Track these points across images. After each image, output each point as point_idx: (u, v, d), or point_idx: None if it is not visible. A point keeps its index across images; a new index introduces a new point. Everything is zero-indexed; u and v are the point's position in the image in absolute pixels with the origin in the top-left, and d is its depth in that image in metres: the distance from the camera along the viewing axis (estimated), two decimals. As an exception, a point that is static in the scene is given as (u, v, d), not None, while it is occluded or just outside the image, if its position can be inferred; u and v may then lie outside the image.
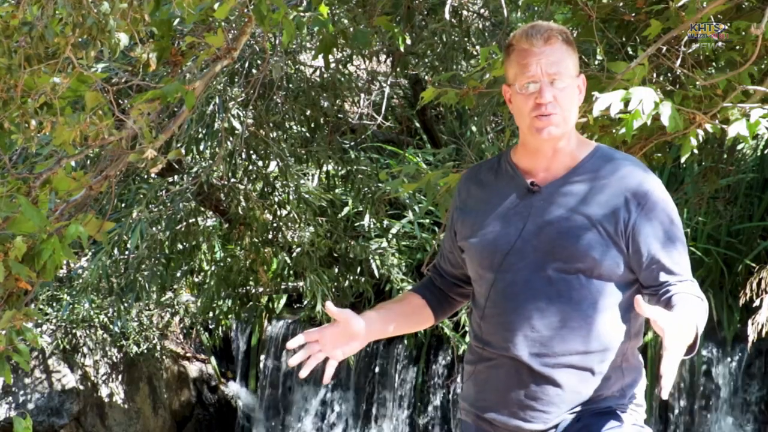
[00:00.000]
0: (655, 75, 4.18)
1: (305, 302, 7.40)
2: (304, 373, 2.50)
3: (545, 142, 2.52)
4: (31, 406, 7.59)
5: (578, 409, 2.47)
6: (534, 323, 2.45)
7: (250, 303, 7.72)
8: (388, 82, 7.45)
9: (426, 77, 7.25)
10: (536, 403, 2.47)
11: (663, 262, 2.45)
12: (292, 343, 2.48)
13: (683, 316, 2.28)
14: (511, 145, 2.69)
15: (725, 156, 6.31)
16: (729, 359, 6.60)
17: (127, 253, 7.03)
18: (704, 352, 6.68)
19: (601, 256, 2.44)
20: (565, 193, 2.50)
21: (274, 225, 6.94)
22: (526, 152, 2.57)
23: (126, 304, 7.39)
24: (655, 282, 2.46)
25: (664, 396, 2.23)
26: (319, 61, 6.65)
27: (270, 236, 6.99)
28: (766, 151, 7.24)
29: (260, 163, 6.83)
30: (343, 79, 6.71)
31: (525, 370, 2.47)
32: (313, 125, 6.96)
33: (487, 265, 2.54)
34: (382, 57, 7.26)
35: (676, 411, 6.76)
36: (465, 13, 6.82)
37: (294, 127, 6.96)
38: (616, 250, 2.45)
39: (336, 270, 7.24)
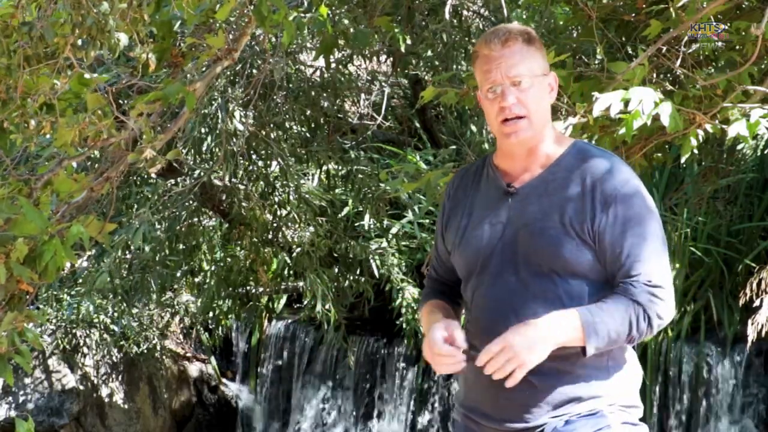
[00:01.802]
0: (655, 75, 4.18)
1: (305, 302, 7.40)
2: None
3: (516, 146, 2.52)
4: (31, 406, 7.59)
5: (562, 410, 2.47)
6: (511, 325, 2.44)
7: (250, 303, 7.71)
8: (388, 82, 7.45)
9: (426, 77, 7.25)
10: (517, 405, 2.48)
11: (623, 265, 2.43)
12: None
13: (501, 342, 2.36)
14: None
15: (725, 156, 6.32)
16: (729, 359, 6.60)
17: (129, 254, 7.03)
18: (704, 352, 6.68)
19: (571, 255, 2.44)
20: (539, 194, 2.51)
21: (275, 225, 6.93)
22: (504, 155, 2.59)
23: (127, 305, 7.39)
24: (616, 283, 2.45)
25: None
26: (320, 62, 6.64)
27: (270, 236, 6.99)
28: (766, 151, 7.24)
29: (261, 164, 6.83)
30: (343, 79, 6.71)
31: None
32: (313, 125, 6.95)
33: (471, 268, 2.56)
34: (382, 57, 7.25)
35: (676, 411, 6.76)
36: (465, 13, 6.81)
37: (294, 127, 6.96)
38: (586, 248, 2.45)
39: (336, 270, 7.23)
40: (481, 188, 2.60)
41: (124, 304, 7.41)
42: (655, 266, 2.44)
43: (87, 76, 2.83)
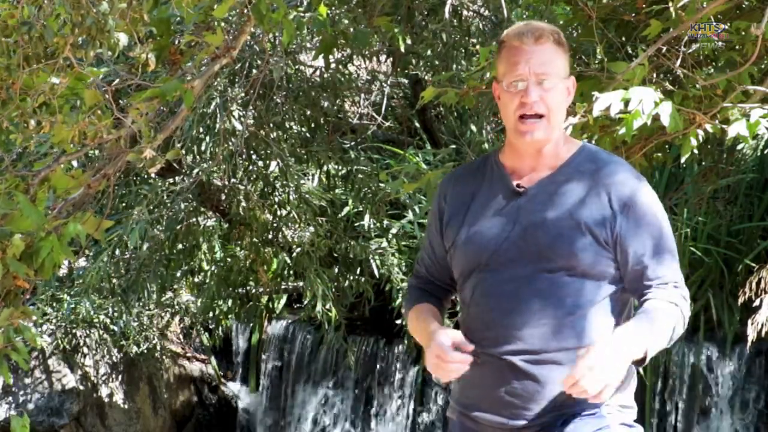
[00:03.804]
0: (655, 75, 4.18)
1: (305, 302, 7.39)
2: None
3: (529, 145, 2.53)
4: (31, 406, 7.59)
5: (562, 408, 2.47)
6: (516, 321, 2.45)
7: (250, 303, 7.71)
8: (388, 82, 7.44)
9: (426, 77, 7.24)
10: (518, 400, 2.47)
11: (648, 268, 2.46)
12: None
13: (601, 355, 2.32)
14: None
15: (725, 156, 6.31)
16: (729, 359, 6.60)
17: (127, 253, 7.03)
18: (704, 352, 6.68)
19: (583, 254, 2.45)
20: (550, 193, 2.51)
21: (274, 225, 6.93)
22: (512, 152, 2.58)
23: (126, 305, 7.39)
24: (638, 287, 2.48)
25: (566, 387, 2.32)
26: (319, 61, 6.64)
27: (270, 236, 6.99)
28: (766, 151, 7.24)
29: (260, 164, 6.83)
30: (343, 79, 6.71)
31: (507, 367, 2.48)
32: (313, 125, 6.95)
33: (473, 265, 2.55)
34: (382, 57, 7.25)
35: (676, 410, 6.76)
36: (465, 12, 6.81)
37: (294, 127, 6.95)
38: (599, 247, 2.46)
39: (336, 270, 7.23)
40: (485, 186, 2.59)
41: (123, 304, 7.41)
42: (676, 268, 2.49)
43: (83, 71, 2.83)
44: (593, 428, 2.46)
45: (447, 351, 2.45)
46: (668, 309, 2.41)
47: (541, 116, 2.49)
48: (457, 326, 2.63)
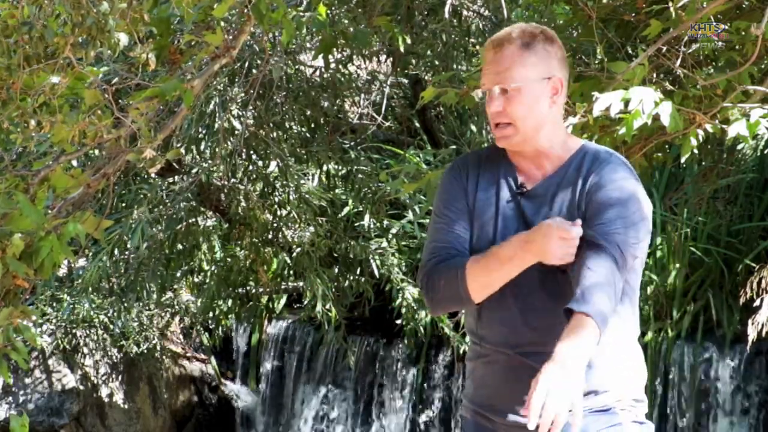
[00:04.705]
0: (655, 75, 4.18)
1: (305, 302, 7.39)
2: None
3: (510, 150, 2.55)
4: (31, 406, 7.59)
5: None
6: (527, 318, 2.46)
7: (250, 303, 7.71)
8: (388, 82, 7.44)
9: (426, 77, 7.25)
10: None
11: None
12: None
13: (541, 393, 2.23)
14: None
15: (725, 156, 6.32)
16: (729, 359, 6.60)
17: (127, 253, 7.03)
18: (704, 352, 6.68)
19: None
20: (552, 194, 2.52)
21: (274, 225, 6.93)
22: (515, 151, 2.59)
23: (126, 305, 7.39)
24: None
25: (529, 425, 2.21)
26: (319, 61, 6.64)
27: (270, 236, 6.99)
28: (766, 151, 7.24)
29: (260, 163, 6.83)
30: (343, 79, 6.71)
31: (519, 365, 2.48)
32: (313, 125, 6.95)
33: None
34: (382, 57, 7.25)
35: (676, 411, 6.76)
36: (465, 12, 6.81)
37: (294, 127, 6.95)
38: None
39: (336, 270, 7.23)
40: (495, 180, 2.59)
41: (122, 304, 7.41)
42: (609, 266, 2.39)
43: (83, 70, 2.83)
44: (605, 425, 2.47)
45: (567, 223, 2.39)
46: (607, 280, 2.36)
47: (509, 124, 2.49)
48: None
